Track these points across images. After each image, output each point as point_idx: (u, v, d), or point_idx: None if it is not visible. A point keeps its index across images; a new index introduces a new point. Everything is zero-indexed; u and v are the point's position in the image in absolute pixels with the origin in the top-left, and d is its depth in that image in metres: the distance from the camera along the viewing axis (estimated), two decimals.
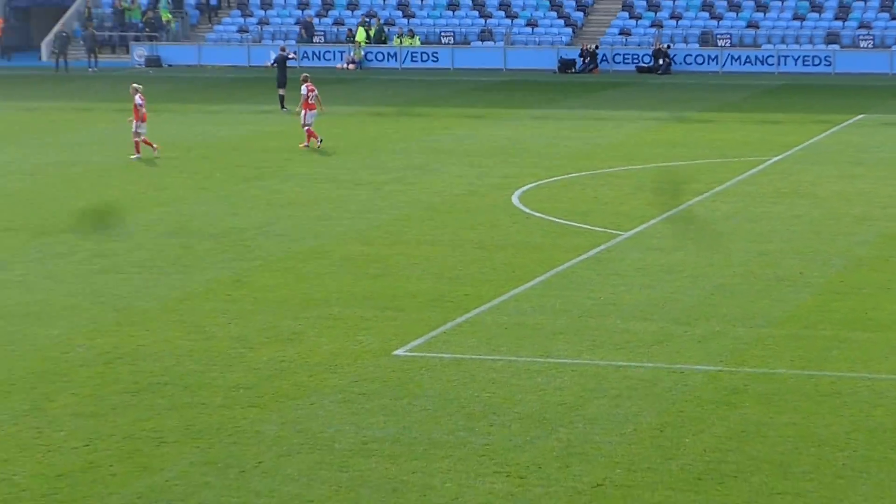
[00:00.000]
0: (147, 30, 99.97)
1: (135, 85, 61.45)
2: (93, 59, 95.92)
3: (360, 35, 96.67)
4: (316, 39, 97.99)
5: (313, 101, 62.65)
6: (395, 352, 31.67)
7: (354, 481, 24.02)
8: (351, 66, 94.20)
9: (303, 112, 62.65)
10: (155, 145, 59.58)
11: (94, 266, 40.28)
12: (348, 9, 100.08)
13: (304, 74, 66.51)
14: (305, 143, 62.04)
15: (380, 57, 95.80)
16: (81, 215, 47.77)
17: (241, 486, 23.81)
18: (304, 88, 62.68)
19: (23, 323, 34.21)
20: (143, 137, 59.01)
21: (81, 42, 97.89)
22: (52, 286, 37.85)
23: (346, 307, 35.12)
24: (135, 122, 59.20)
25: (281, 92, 72.69)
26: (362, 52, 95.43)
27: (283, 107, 72.16)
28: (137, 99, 59.58)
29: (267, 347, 31.95)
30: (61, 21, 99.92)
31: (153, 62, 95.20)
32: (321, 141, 61.92)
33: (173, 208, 48.94)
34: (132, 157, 59.44)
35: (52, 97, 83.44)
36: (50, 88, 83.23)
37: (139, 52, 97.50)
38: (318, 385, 29.52)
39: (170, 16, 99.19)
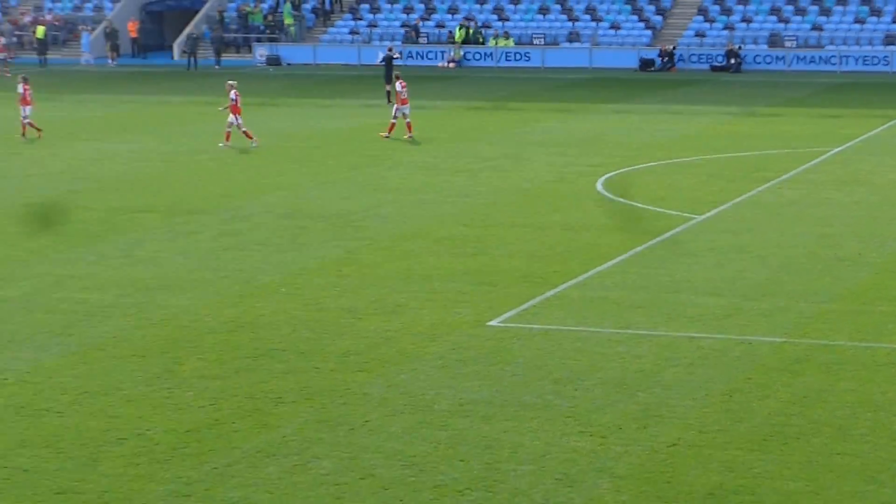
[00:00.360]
0: (268, 32, 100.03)
1: (230, 82, 61.43)
2: (219, 58, 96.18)
3: (459, 35, 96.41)
4: (420, 40, 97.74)
5: (405, 97, 62.37)
6: (489, 323, 31.92)
7: (452, 439, 24.37)
8: (451, 65, 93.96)
9: (395, 106, 62.37)
10: (255, 138, 59.43)
11: (220, 244, 40.60)
12: (449, 12, 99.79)
13: (396, 73, 66.39)
14: (409, 134, 61.74)
15: (477, 57, 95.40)
16: (209, 198, 48.09)
17: (349, 443, 24.21)
18: (398, 85, 62.43)
19: (156, 294, 34.58)
20: (241, 129, 58.81)
21: (209, 42, 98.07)
22: (182, 261, 38.19)
23: (445, 282, 35.32)
24: (231, 115, 59.11)
25: (388, 88, 72.62)
26: (461, 52, 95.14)
27: (389, 101, 72.14)
28: (232, 94, 59.70)
29: (373, 318, 32.24)
30: (192, 23, 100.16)
31: (273, 61, 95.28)
32: (390, 134, 61.72)
33: (290, 192, 49.11)
34: (221, 144, 59.33)
35: (183, 92, 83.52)
36: (181, 84, 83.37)
37: (261, 51, 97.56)
38: (419, 352, 29.85)
39: (292, 19, 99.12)
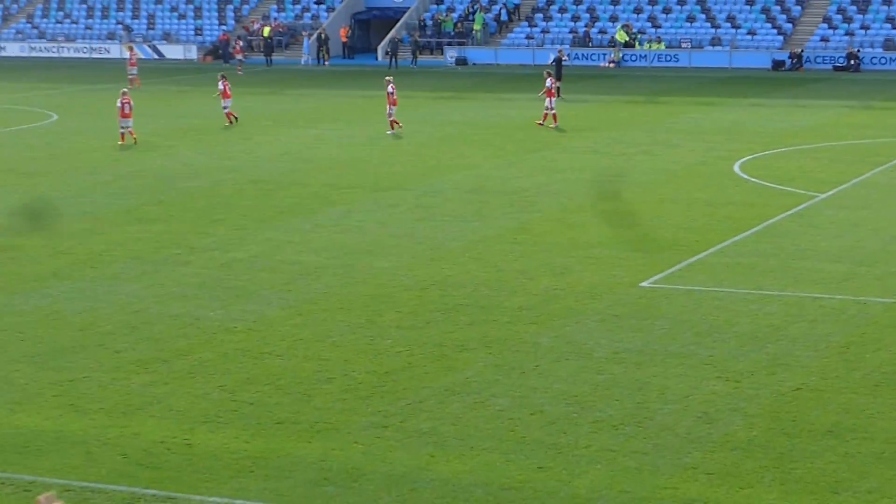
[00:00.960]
0: (457, 36, 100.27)
1: (387, 77, 61.64)
2: (415, 59, 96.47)
3: (620, 35, 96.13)
4: (587, 43, 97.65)
5: (554, 90, 62.08)
6: (641, 283, 32.15)
7: (608, 381, 24.90)
8: (611, 65, 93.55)
9: (548, 99, 62.20)
10: (400, 124, 59.32)
11: (415, 215, 41.01)
12: (610, 20, 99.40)
13: (547, 70, 66.14)
14: (554, 124, 61.44)
15: (633, 58, 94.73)
16: (406, 176, 48.52)
17: (521, 384, 24.80)
18: (548, 82, 62.24)
19: (360, 257, 35.08)
20: (391, 118, 58.72)
21: (408, 45, 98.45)
22: (382, 230, 38.68)
23: (604, 249, 35.52)
24: (388, 106, 59.30)
25: (557, 84, 72.34)
26: (620, 55, 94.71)
27: (559, 95, 71.81)
28: (389, 88, 59.91)
29: (543, 279, 32.57)
30: (394, 29, 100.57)
31: (461, 62, 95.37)
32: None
33: (474, 172, 49.34)
34: (388, 132, 59.29)
35: (384, 87, 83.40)
36: (383, 81, 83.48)
37: (451, 53, 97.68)
38: (581, 308, 30.21)
39: (481, 25, 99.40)
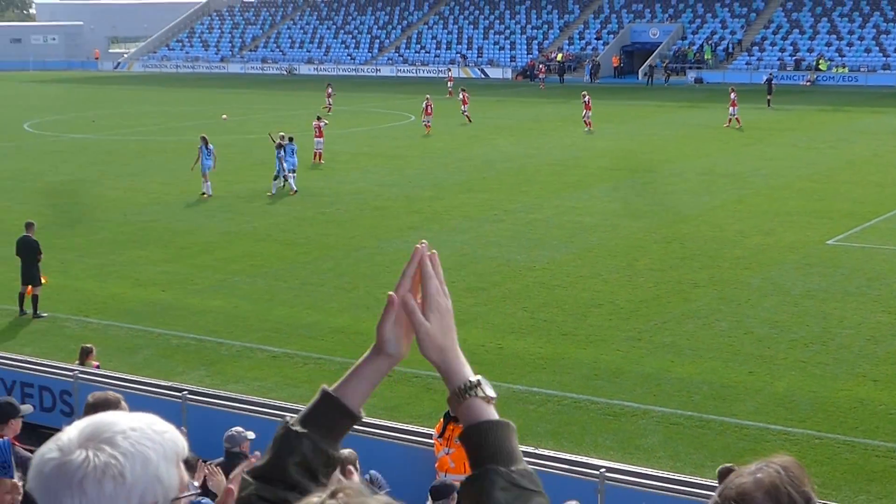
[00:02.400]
0: (696, 63, 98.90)
1: (584, 92, 61.30)
2: (667, 79, 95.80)
3: (818, 63, 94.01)
4: (787, 68, 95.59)
5: (736, 101, 60.47)
6: (827, 241, 31.44)
7: (801, 312, 24.75)
8: (808, 84, 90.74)
9: (731, 108, 60.77)
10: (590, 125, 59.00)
11: (662, 190, 40.82)
12: (808, 51, 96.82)
13: (732, 87, 64.31)
14: (738, 125, 59.75)
15: (824, 79, 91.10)
16: (655, 161, 48.03)
17: (737, 312, 24.81)
18: (732, 95, 60.69)
19: (622, 220, 35.14)
20: (587, 118, 57.99)
21: (661, 69, 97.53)
22: (638, 200, 38.74)
23: (800, 216, 34.84)
24: (584, 111, 59.09)
25: (768, 97, 70.78)
26: (815, 76, 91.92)
27: (769, 105, 70.31)
28: (585, 98, 59.43)
29: (754, 237, 32.06)
30: (651, 57, 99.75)
31: (699, 81, 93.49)
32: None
33: (705, 160, 48.60)
34: (584, 130, 58.74)
35: (643, 99, 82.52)
36: (642, 94, 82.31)
37: (691, 75, 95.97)
38: (782, 258, 29.72)
39: (710, 55, 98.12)
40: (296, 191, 40.24)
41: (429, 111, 59.93)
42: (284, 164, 40.02)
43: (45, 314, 25.24)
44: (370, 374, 2.90)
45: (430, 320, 2.79)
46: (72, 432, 2.50)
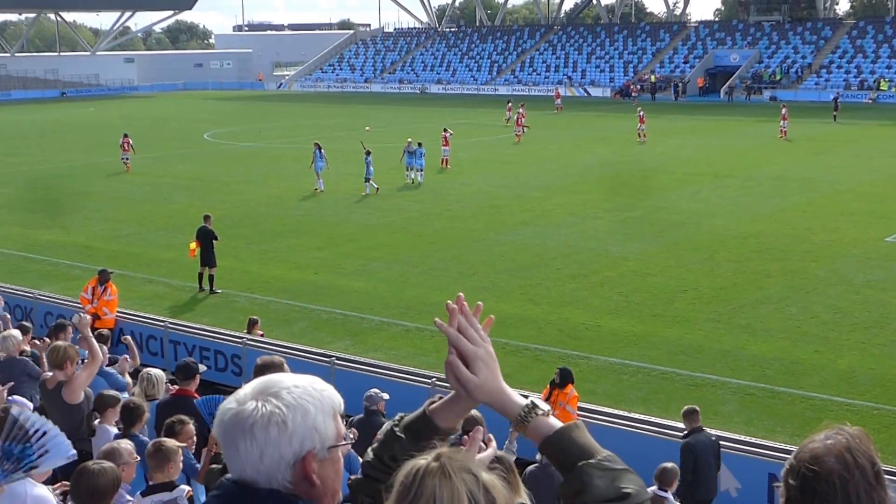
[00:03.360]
0: (771, 83, 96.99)
1: (639, 108, 60.53)
2: (748, 97, 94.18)
3: (883, 84, 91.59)
4: (858, 88, 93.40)
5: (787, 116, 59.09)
6: (886, 238, 30.57)
7: (861, 299, 24.22)
8: (870, 101, 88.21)
9: (782, 121, 59.46)
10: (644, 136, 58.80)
11: (739, 192, 40.06)
12: (870, 73, 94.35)
13: (783, 104, 62.49)
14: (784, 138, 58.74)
15: (884, 97, 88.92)
16: (736, 168, 47.15)
17: (805, 299, 24.35)
18: (783, 111, 59.49)
19: (704, 218, 34.64)
20: (642, 129, 56.77)
21: (741, 89, 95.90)
22: (719, 201, 37.94)
23: (862, 216, 33.99)
24: (639, 124, 58.64)
25: (835, 113, 69.39)
26: (876, 95, 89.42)
27: (835, 120, 68.74)
28: (640, 114, 58.87)
29: (821, 233, 31.33)
30: (732, 78, 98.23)
31: (773, 99, 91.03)
32: None
33: (778, 167, 47.64)
34: (639, 141, 57.64)
35: (723, 114, 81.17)
36: (723, 110, 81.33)
37: (767, 94, 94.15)
38: (845, 252, 29.02)
39: (782, 76, 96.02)
40: (421, 183, 42.63)
41: (519, 122, 60.72)
42: (370, 169, 40.70)
43: (219, 290, 25.79)
44: (459, 408, 2.93)
45: (477, 373, 2.79)
46: (247, 388, 2.66)
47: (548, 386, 15.29)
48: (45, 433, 4.40)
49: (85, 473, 5.48)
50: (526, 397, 2.87)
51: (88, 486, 5.48)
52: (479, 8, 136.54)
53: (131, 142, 49.55)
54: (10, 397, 8.90)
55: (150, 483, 7.98)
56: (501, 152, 54.72)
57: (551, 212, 36.11)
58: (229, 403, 2.63)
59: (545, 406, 2.84)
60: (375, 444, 2.97)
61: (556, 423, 2.77)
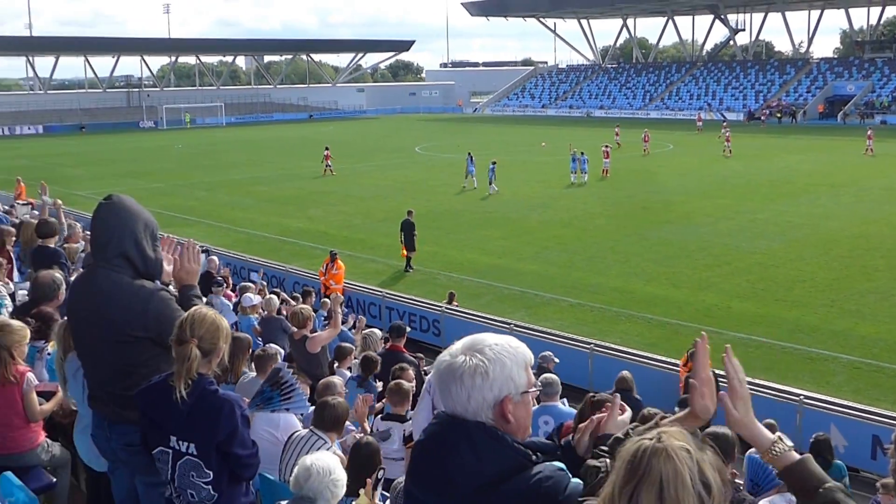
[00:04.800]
0: (881, 109, 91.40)
1: (725, 125, 57.70)
2: (862, 121, 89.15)
3: None
4: None
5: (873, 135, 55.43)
6: None
7: None
8: None
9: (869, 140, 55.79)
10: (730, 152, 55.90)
11: (852, 200, 37.79)
12: None
13: (869, 127, 58.82)
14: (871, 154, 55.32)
15: None
16: (847, 179, 44.65)
17: None
18: (869, 132, 55.62)
19: (821, 221, 32.85)
20: (727, 137, 53.62)
21: (855, 114, 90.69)
22: (835, 208, 35.91)
23: None
24: (725, 142, 56.42)
25: None
26: None
27: None
28: (727, 133, 56.07)
29: None
30: (847, 105, 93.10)
31: (883, 122, 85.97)
32: None
33: (887, 179, 44.80)
34: (726, 155, 54.81)
35: (839, 136, 76.76)
36: (837, 131, 77.05)
37: (879, 118, 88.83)
38: None
39: (889, 103, 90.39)
40: (585, 182, 43.46)
41: (646, 138, 59.54)
42: (473, 172, 42.98)
43: (411, 269, 26.42)
44: (687, 427, 2.79)
45: (738, 409, 2.76)
46: (458, 344, 2.75)
47: (686, 354, 14.99)
48: (293, 390, 4.57)
49: (326, 406, 5.70)
50: (772, 430, 2.81)
51: (330, 413, 5.70)
52: (635, 48, 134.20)
53: (330, 154, 52.08)
54: (267, 345, 9.27)
55: (388, 412, 8.27)
56: (650, 164, 53.44)
57: (691, 213, 35.05)
58: (443, 356, 2.73)
59: (790, 442, 2.83)
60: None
61: (796, 455, 2.76)
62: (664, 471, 2.19)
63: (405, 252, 26.44)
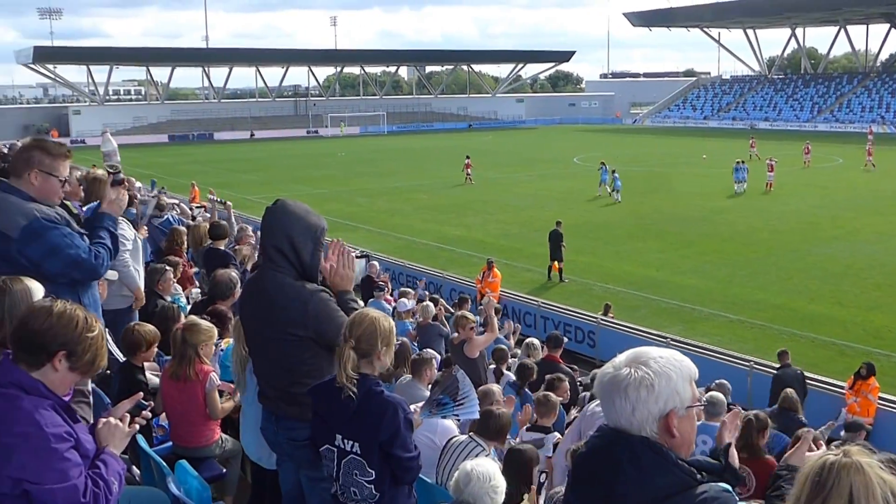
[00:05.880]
0: None
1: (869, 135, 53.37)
2: None
3: None
4: None
5: None
6: None
7: None
8: None
9: None
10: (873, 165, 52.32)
11: None
12: None
13: None
14: None
15: None
16: None
17: None
18: None
19: None
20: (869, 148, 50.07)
21: None
22: None
23: None
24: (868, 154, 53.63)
25: None
26: None
27: None
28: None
29: None
30: None
31: None
32: None
33: None
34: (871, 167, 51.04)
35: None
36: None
37: None
38: None
39: None
40: (745, 191, 40.77)
41: (807, 150, 58.37)
42: (606, 181, 43.84)
43: (567, 279, 26.17)
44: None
45: None
46: (622, 357, 2.70)
47: (852, 377, 14.25)
48: (466, 397, 4.62)
49: (492, 415, 5.76)
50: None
51: (495, 423, 5.76)
52: (804, 58, 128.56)
53: (470, 163, 52.41)
54: (424, 350, 9.43)
55: (534, 423, 8.27)
56: (818, 178, 51.06)
57: (861, 230, 33.26)
58: (606, 369, 2.69)
59: None
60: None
61: None
62: (854, 484, 2.17)
63: (554, 262, 26.48)
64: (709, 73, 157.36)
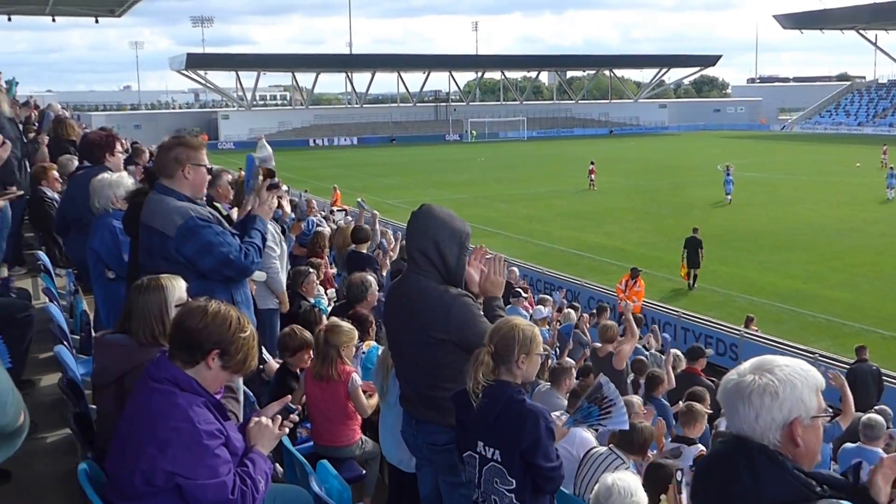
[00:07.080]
0: None
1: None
2: None
3: None
4: None
5: None
6: None
7: None
8: None
9: None
10: None
11: None
12: None
13: None
14: None
15: None
16: None
17: None
18: None
19: None
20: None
21: None
22: None
23: None
24: None
25: None
26: None
27: None
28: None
29: None
30: None
31: None
32: None
33: None
34: None
35: None
36: None
37: None
38: None
39: None
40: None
41: (885, 153, 57.86)
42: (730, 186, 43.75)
43: (695, 287, 26.00)
44: None
45: None
46: (746, 364, 2.70)
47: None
48: (613, 405, 4.52)
49: (635, 429, 5.69)
50: None
51: (638, 437, 5.68)
52: None
53: (594, 169, 52.37)
54: (563, 358, 9.35)
55: (678, 434, 8.14)
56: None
57: None
58: (731, 376, 2.71)
59: None
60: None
61: None
62: None
63: (685, 270, 26.16)
64: (864, 77, 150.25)
